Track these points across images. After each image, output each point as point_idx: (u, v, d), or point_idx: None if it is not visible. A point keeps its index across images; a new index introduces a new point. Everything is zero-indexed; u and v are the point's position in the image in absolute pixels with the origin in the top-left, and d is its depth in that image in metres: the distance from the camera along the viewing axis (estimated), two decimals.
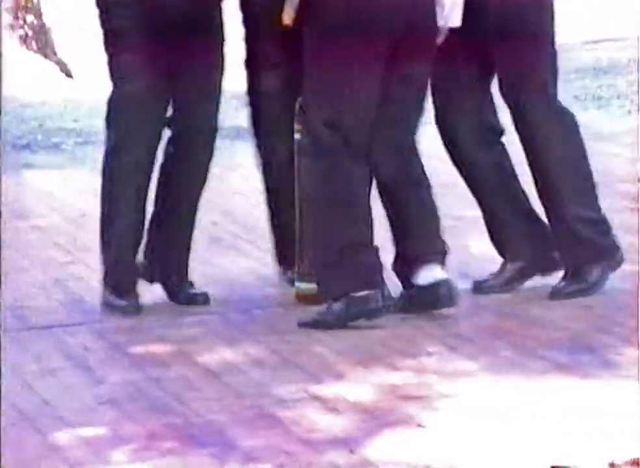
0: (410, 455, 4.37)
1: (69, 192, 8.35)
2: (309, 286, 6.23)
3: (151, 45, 6.19)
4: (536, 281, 6.49)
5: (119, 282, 6.46)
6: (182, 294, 6.42)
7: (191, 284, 6.47)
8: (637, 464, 3.40)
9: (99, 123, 10.66)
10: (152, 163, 6.47)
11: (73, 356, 5.63)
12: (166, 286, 6.50)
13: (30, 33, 13.87)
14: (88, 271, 6.79)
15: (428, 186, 6.41)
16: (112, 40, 6.40)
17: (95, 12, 6.27)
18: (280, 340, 5.76)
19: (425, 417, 4.70)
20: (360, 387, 5.10)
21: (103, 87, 12.14)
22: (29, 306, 6.23)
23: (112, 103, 6.55)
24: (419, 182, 6.41)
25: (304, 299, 6.25)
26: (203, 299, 6.41)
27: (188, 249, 6.53)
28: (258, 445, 4.53)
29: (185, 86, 6.27)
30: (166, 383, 5.24)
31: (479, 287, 6.65)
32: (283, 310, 6.25)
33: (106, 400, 5.06)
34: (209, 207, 7.01)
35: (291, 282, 6.55)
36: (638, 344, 5.33)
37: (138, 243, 6.55)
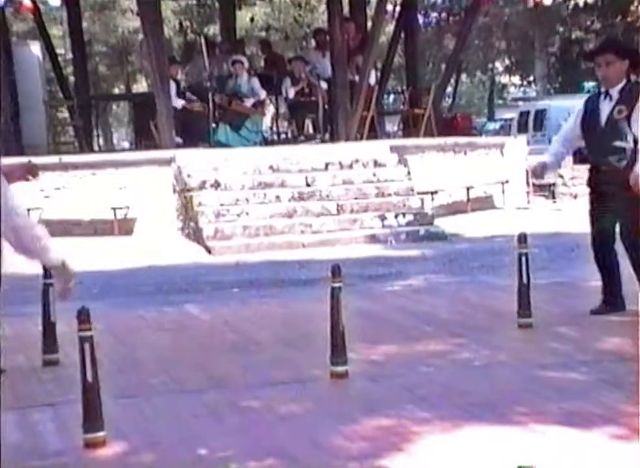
0: None
1: (203, 314, 8.30)
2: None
3: None
4: None
5: None
6: None
7: None
8: None
9: (222, 278, 10.70)
10: None
11: None
12: None
13: (191, 231, 13.90)
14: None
15: None
16: None
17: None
18: None
19: None
20: None
21: (226, 258, 12.09)
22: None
23: None
24: None
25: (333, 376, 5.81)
26: None
27: None
28: None
29: None
30: None
31: None
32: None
33: None
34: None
35: None
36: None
37: None
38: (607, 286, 7.30)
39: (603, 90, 7.12)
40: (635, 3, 29.83)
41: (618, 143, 6.92)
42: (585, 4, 25.79)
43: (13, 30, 21.69)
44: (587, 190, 7.39)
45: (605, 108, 7.01)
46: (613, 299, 7.27)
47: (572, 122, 7.34)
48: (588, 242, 7.45)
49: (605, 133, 7.00)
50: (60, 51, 22.77)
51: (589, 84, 23.76)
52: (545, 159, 7.45)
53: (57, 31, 26.75)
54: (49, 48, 19.89)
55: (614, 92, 6.99)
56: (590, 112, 7.12)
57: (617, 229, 7.16)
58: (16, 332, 7.47)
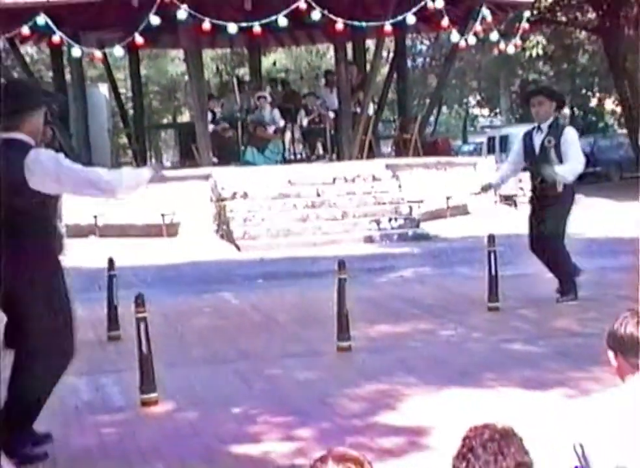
0: None
1: (234, 300, 8.26)
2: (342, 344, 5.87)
3: None
4: None
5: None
6: None
7: None
8: None
9: (250, 271, 10.64)
10: None
11: None
12: None
13: (224, 233, 13.85)
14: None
15: None
16: None
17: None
18: None
19: None
20: None
21: (252, 255, 12.05)
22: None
23: None
24: None
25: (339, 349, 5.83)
26: None
27: None
28: None
29: None
30: None
31: None
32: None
33: None
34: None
35: None
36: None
37: None
38: (558, 276, 7.27)
39: (536, 125, 7.25)
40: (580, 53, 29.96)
41: (548, 166, 7.02)
42: (537, 54, 26.04)
43: (87, 75, 21.72)
44: (531, 199, 7.45)
45: (538, 139, 7.15)
46: (565, 286, 7.22)
47: (516, 150, 7.53)
48: None
49: (539, 159, 7.13)
50: (122, 90, 22.70)
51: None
52: (491, 180, 7.72)
53: (121, 75, 26.73)
54: (114, 88, 20.03)
55: (545, 127, 7.14)
56: (527, 143, 7.28)
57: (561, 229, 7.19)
58: (86, 313, 7.44)
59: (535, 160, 7.16)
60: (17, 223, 3.76)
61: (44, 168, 3.80)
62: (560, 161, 7.03)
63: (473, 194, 7.57)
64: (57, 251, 4.00)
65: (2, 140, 3.84)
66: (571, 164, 7.00)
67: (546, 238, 7.14)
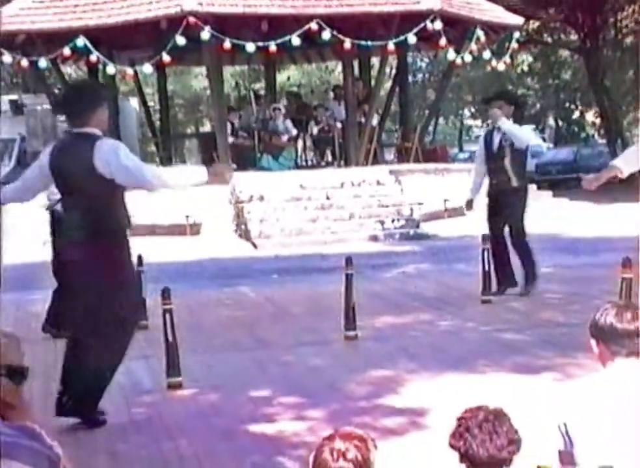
0: None
1: (251, 293, 8.25)
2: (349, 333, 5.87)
3: None
4: None
5: None
6: None
7: None
8: None
9: (265, 267, 10.62)
10: None
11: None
12: None
13: (242, 232, 13.84)
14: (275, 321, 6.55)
15: None
16: None
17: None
18: None
19: None
20: None
21: (267, 252, 12.01)
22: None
23: None
24: None
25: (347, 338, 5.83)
26: None
27: None
28: None
29: None
30: None
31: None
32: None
33: None
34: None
35: None
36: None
37: None
38: (501, 269, 7.19)
39: (496, 125, 7.13)
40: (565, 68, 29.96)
41: (506, 163, 6.98)
42: (522, 70, 26.00)
43: (119, 90, 21.81)
44: (487, 200, 7.32)
45: (496, 138, 7.06)
46: (507, 278, 7.20)
47: (479, 151, 7.47)
48: (531, 240, 7.35)
49: (497, 156, 7.06)
50: (150, 103, 22.70)
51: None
52: (470, 196, 7.51)
53: (149, 90, 26.76)
54: (143, 102, 20.15)
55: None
56: (487, 142, 7.19)
57: (507, 228, 7.16)
58: None
59: (493, 158, 7.12)
60: (92, 206, 4.05)
61: (104, 157, 4.03)
62: (516, 159, 7.00)
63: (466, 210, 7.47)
64: (127, 226, 4.22)
65: (75, 134, 4.17)
66: (525, 128, 7.03)
67: (512, 234, 7.13)
